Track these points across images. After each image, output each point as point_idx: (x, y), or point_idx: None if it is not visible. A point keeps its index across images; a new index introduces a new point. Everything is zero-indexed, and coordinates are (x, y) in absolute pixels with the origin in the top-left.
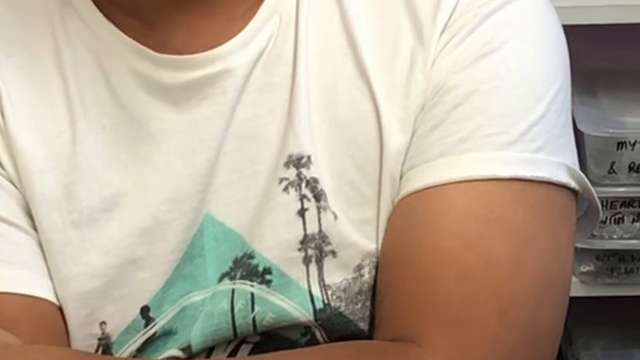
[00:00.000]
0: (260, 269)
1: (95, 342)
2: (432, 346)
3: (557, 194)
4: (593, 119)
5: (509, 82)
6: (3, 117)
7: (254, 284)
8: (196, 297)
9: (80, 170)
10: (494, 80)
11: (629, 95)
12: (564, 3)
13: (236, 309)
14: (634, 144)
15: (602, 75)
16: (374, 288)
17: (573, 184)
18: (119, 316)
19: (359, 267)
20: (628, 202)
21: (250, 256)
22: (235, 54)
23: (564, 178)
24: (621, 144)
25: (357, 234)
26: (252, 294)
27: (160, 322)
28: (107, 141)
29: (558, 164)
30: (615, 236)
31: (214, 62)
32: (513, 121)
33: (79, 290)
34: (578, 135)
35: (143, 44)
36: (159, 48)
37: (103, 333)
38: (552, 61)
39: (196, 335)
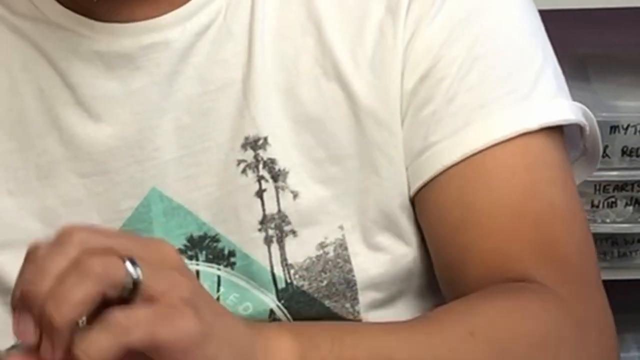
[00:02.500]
0: (226, 252)
1: None
2: (544, 281)
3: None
4: (586, 104)
5: (500, 41)
6: None
7: (220, 267)
8: None
9: (16, 137)
10: (487, 43)
11: (621, 79)
12: None
13: None
14: (627, 127)
15: (594, 60)
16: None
17: (587, 124)
18: None
19: (322, 245)
20: (621, 185)
21: (215, 239)
22: (172, 27)
23: (582, 118)
24: (614, 128)
25: (319, 211)
26: (219, 277)
27: None
28: (44, 107)
29: (573, 106)
30: (608, 220)
31: (148, 33)
32: (520, 75)
33: (17, 255)
34: None
35: (85, 15)
36: (102, 17)
37: None
38: (529, 12)
39: None
